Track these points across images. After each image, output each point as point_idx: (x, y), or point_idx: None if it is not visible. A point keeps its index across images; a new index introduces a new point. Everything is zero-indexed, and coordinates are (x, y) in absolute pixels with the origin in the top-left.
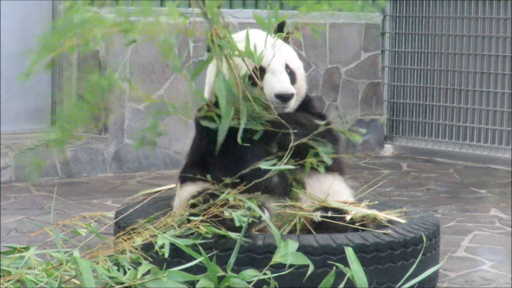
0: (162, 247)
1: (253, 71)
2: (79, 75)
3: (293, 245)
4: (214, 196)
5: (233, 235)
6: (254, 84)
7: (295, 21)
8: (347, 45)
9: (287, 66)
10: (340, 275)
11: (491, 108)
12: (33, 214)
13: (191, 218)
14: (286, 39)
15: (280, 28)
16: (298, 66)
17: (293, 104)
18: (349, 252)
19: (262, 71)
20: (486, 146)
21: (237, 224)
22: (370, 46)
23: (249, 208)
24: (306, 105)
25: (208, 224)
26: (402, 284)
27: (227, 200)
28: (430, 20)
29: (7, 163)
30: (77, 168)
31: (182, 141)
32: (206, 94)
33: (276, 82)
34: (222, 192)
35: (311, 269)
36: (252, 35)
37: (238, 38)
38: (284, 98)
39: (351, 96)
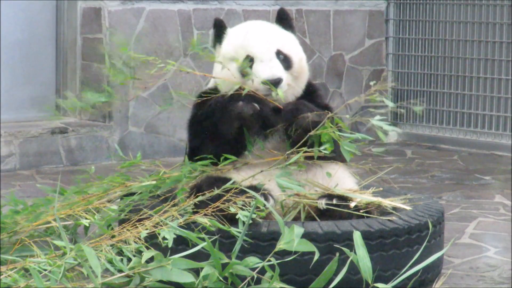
0: (165, 238)
1: (243, 63)
2: (83, 63)
3: (298, 230)
4: (218, 181)
5: (235, 231)
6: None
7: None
8: (351, 32)
9: (279, 53)
10: (345, 262)
11: (495, 94)
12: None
13: (195, 210)
14: (288, 26)
15: (280, 16)
16: (295, 52)
17: (285, 87)
18: (357, 236)
19: (252, 61)
20: (491, 132)
21: (242, 220)
22: (374, 33)
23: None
24: (311, 95)
25: (212, 217)
26: (407, 271)
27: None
28: (434, 7)
29: (11, 151)
30: (82, 156)
31: None
32: (211, 84)
33: (262, 70)
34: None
35: (317, 256)
36: (249, 26)
37: (237, 32)
38: (271, 83)
39: (355, 83)
